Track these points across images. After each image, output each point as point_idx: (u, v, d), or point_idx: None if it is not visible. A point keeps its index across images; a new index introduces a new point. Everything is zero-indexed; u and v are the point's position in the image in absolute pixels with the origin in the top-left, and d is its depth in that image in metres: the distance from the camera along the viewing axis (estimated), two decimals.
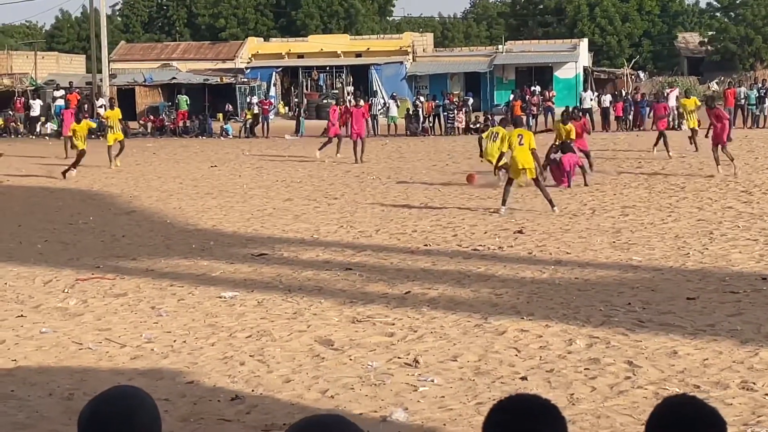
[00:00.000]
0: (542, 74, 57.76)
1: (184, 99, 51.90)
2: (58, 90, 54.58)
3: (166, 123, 50.19)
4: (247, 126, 47.08)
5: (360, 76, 59.47)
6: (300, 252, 14.98)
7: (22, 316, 11.02)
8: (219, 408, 7.66)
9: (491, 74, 58.43)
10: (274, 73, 60.32)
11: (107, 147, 29.61)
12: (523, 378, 8.14)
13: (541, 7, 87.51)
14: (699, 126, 28.77)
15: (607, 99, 45.80)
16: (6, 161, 31.99)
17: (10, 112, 52.81)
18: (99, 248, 15.85)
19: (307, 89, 60.26)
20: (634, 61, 68.77)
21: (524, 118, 37.24)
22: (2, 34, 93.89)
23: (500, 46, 63.14)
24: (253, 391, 8.06)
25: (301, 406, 7.61)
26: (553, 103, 46.46)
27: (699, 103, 30.30)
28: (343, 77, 60.12)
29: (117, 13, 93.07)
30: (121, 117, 31.45)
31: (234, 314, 10.90)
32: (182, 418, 7.32)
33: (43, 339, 9.96)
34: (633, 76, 62.48)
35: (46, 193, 24.28)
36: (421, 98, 48.84)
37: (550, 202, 18.07)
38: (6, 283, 12.87)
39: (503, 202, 18.20)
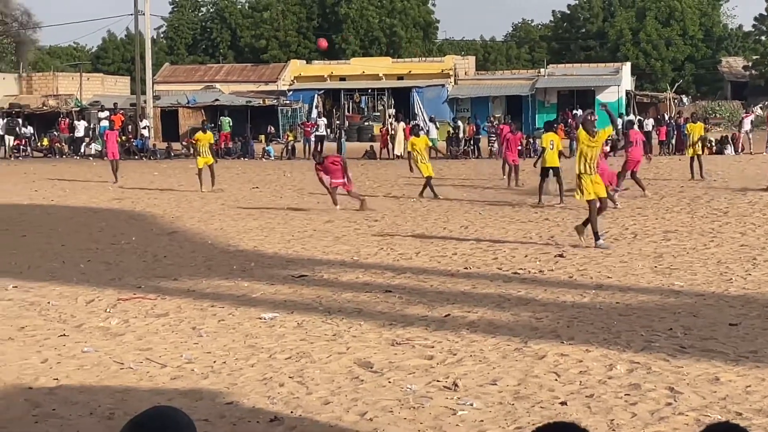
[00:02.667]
0: (584, 98, 57.66)
1: (226, 120, 52.30)
2: (102, 111, 55.21)
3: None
4: (289, 148, 47.31)
5: (401, 98, 59.67)
6: (340, 274, 15.00)
7: (64, 335, 11.11)
8: (258, 429, 7.67)
9: (533, 97, 58.43)
10: (316, 95, 60.64)
11: (198, 170, 29.62)
12: (563, 403, 8.09)
13: (584, 30, 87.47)
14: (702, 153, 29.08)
15: (649, 123, 45.63)
16: (50, 182, 32.39)
17: (55, 132, 53.44)
18: (141, 268, 15.96)
19: (348, 111, 60.51)
20: (677, 85, 68.49)
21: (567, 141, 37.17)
22: (49, 56, 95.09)
23: (542, 70, 63.14)
24: (292, 412, 8.07)
25: (339, 428, 7.61)
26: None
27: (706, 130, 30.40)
28: (385, 100, 60.33)
29: (162, 35, 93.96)
30: (212, 141, 31.54)
31: (274, 335, 10.92)
32: None
33: (84, 358, 10.03)
34: (676, 100, 62.21)
35: (89, 213, 24.50)
36: (459, 122, 48.84)
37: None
38: (49, 302, 12.98)
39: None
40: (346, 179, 23.93)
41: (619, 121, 28.39)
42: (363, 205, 23.54)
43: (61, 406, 8.38)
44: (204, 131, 30.78)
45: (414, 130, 29.51)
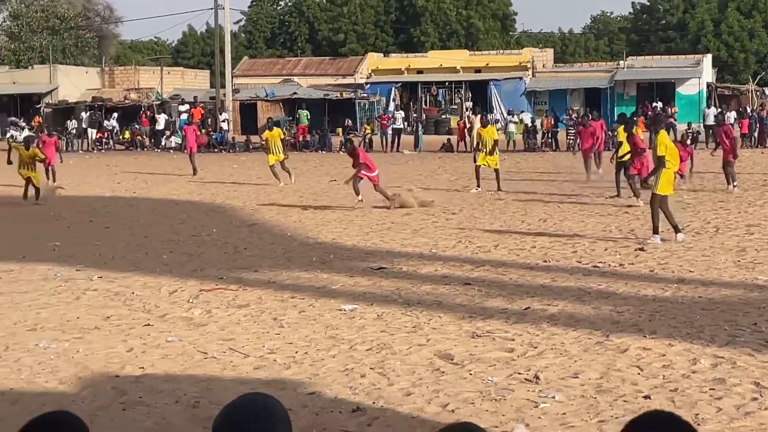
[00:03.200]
0: (664, 90, 56.99)
1: (304, 114, 52.58)
2: (182, 104, 55.83)
3: (287, 137, 50.80)
4: (366, 140, 47.44)
5: (479, 91, 59.47)
6: (419, 266, 15.03)
7: (149, 324, 11.29)
8: (340, 419, 7.74)
9: (612, 90, 57.88)
10: (393, 88, 60.68)
11: (270, 166, 29.78)
12: (647, 397, 8.04)
13: (664, 22, 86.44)
14: None
15: (731, 116, 44.94)
16: (132, 175, 32.86)
17: (137, 125, 54.18)
18: (222, 260, 16.14)
19: (426, 104, 60.47)
20: (759, 77, 67.37)
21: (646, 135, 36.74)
22: (130, 50, 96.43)
23: (621, 62, 62.51)
24: (374, 403, 8.12)
25: (421, 419, 7.65)
26: (675, 120, 45.75)
27: None
28: (462, 92, 60.21)
29: (241, 29, 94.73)
30: (282, 137, 31.74)
31: (354, 327, 10.99)
32: (304, 429, 7.40)
33: (169, 347, 10.19)
34: (758, 93, 61.21)
35: (171, 205, 24.82)
36: (528, 115, 48.52)
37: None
38: (133, 293, 13.19)
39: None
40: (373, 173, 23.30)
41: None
42: (392, 203, 22.89)
43: (147, 394, 8.52)
44: (270, 128, 31.02)
45: (482, 121, 29.36)
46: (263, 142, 33.33)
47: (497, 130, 46.58)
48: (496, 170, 26.29)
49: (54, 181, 29.12)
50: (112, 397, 8.47)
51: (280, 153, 29.70)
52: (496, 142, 27.15)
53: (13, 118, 57.97)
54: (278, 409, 2.56)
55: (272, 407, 2.55)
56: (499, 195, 25.18)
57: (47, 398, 8.38)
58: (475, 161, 27.06)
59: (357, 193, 22.87)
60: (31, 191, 25.63)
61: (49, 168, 29.40)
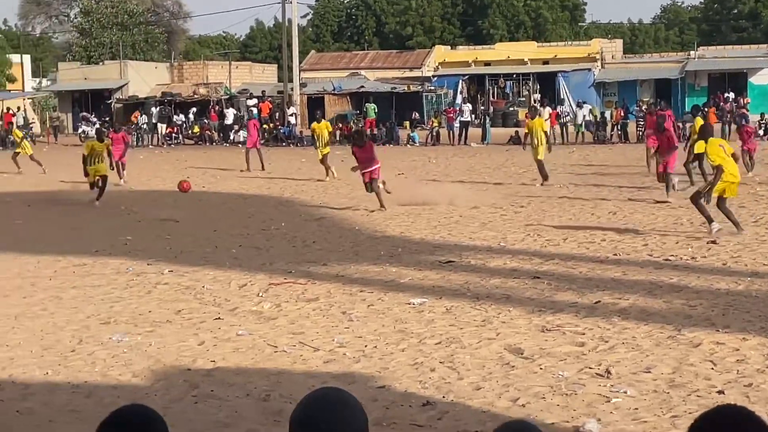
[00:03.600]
0: (736, 81, 56.11)
1: (372, 107, 52.61)
2: (251, 99, 56.16)
3: (353, 130, 50.85)
4: (434, 134, 47.38)
5: (547, 83, 59.08)
6: (487, 260, 14.98)
7: (219, 318, 11.39)
8: (411, 413, 7.74)
9: (683, 81, 57.13)
10: (460, 81, 60.50)
11: (319, 160, 29.86)
12: (720, 392, 7.93)
13: (735, 11, 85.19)
14: None
15: None
16: (201, 169, 33.08)
17: (206, 120, 54.61)
18: (291, 253, 16.22)
19: (493, 97, 60.22)
20: None
21: (717, 125, 36.28)
22: (199, 45, 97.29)
23: (692, 52, 61.71)
24: (444, 397, 8.11)
25: (492, 413, 7.62)
26: (747, 111, 45.06)
27: None
28: (530, 85, 59.86)
29: (308, 23, 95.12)
30: (330, 129, 31.78)
31: (423, 321, 10.98)
32: (375, 422, 7.41)
33: (239, 341, 10.26)
34: None
35: (239, 199, 24.99)
36: (587, 107, 47.99)
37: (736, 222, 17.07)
38: (203, 287, 13.31)
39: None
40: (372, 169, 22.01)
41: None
42: (382, 205, 21.58)
43: (218, 387, 8.59)
44: (318, 120, 31.07)
45: (531, 112, 29.06)
46: (311, 133, 33.40)
47: (565, 122, 46.41)
48: (539, 161, 25.99)
49: (121, 177, 29.21)
50: (185, 390, 8.55)
51: (324, 146, 29.70)
52: (545, 133, 26.92)
53: (85, 114, 58.77)
54: (354, 402, 2.56)
55: (348, 400, 2.55)
56: (547, 186, 25.02)
57: (121, 391, 8.49)
58: (524, 148, 27.11)
59: (380, 202, 21.77)
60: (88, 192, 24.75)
61: (117, 164, 29.00)
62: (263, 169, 33.01)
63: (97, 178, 24.02)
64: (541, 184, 25.70)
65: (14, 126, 47.95)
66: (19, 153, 35.39)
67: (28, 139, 38.20)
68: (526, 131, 27.33)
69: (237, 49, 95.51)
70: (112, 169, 26.57)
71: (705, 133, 17.60)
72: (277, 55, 75.13)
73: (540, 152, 25.99)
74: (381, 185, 22.02)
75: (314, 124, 31.25)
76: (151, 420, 2.66)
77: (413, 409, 7.84)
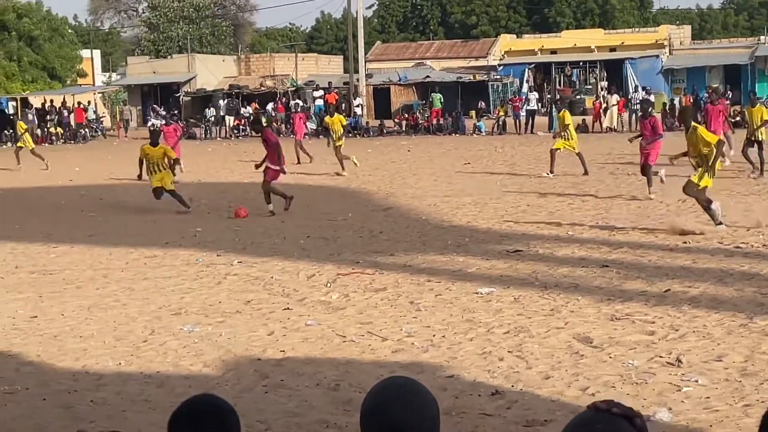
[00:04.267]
0: None
1: (437, 97, 52.53)
2: (317, 90, 56.37)
3: (420, 121, 50.89)
4: (500, 123, 47.20)
5: (614, 70, 58.53)
6: (555, 249, 14.90)
7: (288, 308, 11.47)
8: (480, 402, 7.75)
9: (752, 66, 56.26)
10: (526, 69, 60.16)
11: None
12: None
13: None
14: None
15: None
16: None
17: (273, 112, 54.89)
18: (358, 244, 16.28)
19: (560, 85, 59.83)
20: None
21: None
22: (265, 37, 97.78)
23: (762, 37, 60.73)
24: (513, 386, 8.10)
25: (561, 402, 7.60)
26: None
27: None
28: (597, 72, 59.36)
29: (374, 14, 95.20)
30: (344, 123, 31.40)
31: (491, 310, 10.97)
32: (444, 412, 7.39)
33: (308, 331, 10.33)
34: None
35: (307, 190, 25.07)
36: (646, 92, 47.34)
37: None
38: (272, 277, 13.41)
39: None
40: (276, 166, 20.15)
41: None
42: (288, 203, 20.34)
43: (288, 377, 8.66)
44: (331, 114, 30.98)
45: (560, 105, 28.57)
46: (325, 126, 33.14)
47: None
48: (578, 154, 25.62)
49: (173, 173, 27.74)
50: (255, 379, 8.64)
51: (338, 140, 29.29)
52: (576, 126, 26.50)
53: (154, 106, 59.39)
54: (424, 391, 2.56)
55: (419, 389, 2.55)
56: (629, 175, 24.76)
57: (192, 381, 8.60)
58: (554, 137, 26.84)
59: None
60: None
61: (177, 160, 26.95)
62: (310, 161, 32.75)
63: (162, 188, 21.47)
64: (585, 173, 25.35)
65: (19, 119, 45.57)
66: (21, 147, 34.81)
67: (27, 133, 36.60)
68: (561, 123, 26.62)
69: (303, 41, 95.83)
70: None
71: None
72: (343, 47, 75.21)
73: (561, 143, 25.60)
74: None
75: (327, 118, 31.14)
76: (222, 410, 2.70)
77: (482, 398, 7.84)
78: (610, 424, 2.31)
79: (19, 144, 36.11)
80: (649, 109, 21.90)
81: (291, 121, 42.10)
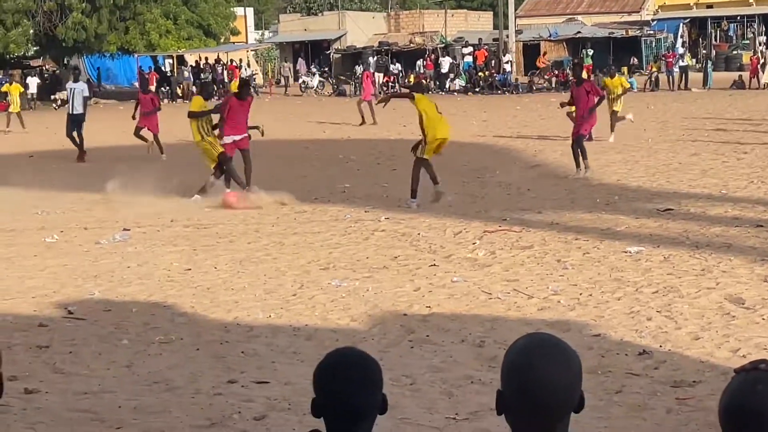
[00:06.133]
0: None
1: (588, 53, 51.75)
2: (466, 47, 56.10)
3: (570, 78, 50.15)
4: (652, 79, 46.22)
5: None
6: (707, 208, 14.59)
7: (434, 265, 11.53)
8: (626, 362, 7.68)
9: None
10: (681, 24, 58.70)
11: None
12: None
13: None
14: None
15: None
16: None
17: (422, 69, 54.91)
18: (505, 201, 16.22)
19: (715, 40, 58.22)
20: None
21: None
22: None
23: None
24: (660, 346, 8.00)
25: (711, 364, 7.48)
26: None
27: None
28: (755, 27, 57.52)
29: None
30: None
31: (640, 269, 10.82)
32: (590, 370, 7.37)
33: (454, 288, 10.37)
34: None
35: (455, 147, 24.95)
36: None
37: None
38: (419, 234, 13.48)
39: None
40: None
41: None
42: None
43: (433, 332, 8.73)
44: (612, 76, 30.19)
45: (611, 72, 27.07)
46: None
47: None
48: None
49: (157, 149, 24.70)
50: (401, 334, 8.73)
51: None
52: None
53: (302, 62, 59.95)
54: (567, 346, 2.54)
55: (562, 345, 2.54)
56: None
57: (340, 335, 8.74)
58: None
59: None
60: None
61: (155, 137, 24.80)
62: (375, 122, 32.34)
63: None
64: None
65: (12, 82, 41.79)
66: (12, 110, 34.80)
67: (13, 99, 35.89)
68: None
69: None
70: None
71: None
72: (493, 2, 74.56)
73: (618, 105, 24.75)
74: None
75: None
76: (366, 360, 2.75)
77: (629, 357, 7.77)
78: None
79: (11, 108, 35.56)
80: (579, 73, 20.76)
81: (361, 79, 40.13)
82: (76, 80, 25.43)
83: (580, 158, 18.60)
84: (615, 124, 24.64)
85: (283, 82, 59.61)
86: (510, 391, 2.47)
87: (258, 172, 17.64)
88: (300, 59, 63.00)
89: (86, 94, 25.38)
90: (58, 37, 52.25)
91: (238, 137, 17.00)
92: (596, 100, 19.02)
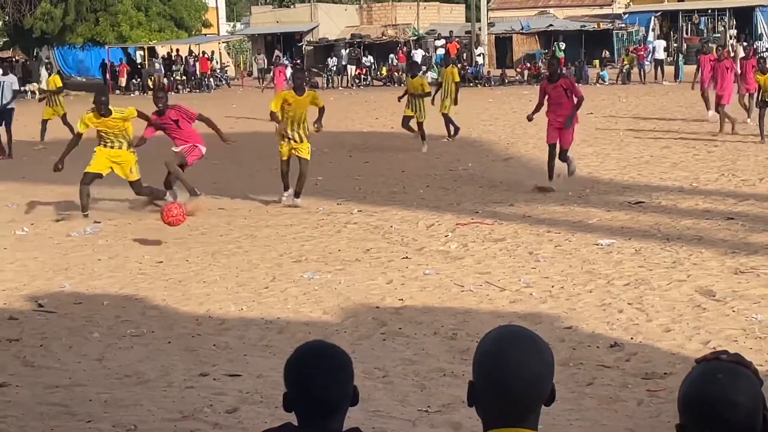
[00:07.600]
0: None
1: (560, 46, 51.87)
2: (438, 39, 56.11)
3: (543, 70, 50.28)
4: (624, 72, 46.39)
5: (744, 18, 56.92)
6: (678, 200, 14.66)
7: (407, 257, 11.53)
8: (598, 354, 7.70)
9: None
10: (652, 17, 58.92)
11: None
12: None
13: None
14: None
15: None
16: (388, 110, 33.31)
17: (394, 61, 54.90)
18: (477, 194, 16.24)
19: (686, 33, 58.46)
20: None
21: None
22: None
23: None
24: (632, 339, 8.04)
25: (681, 356, 7.51)
26: None
27: None
28: (726, 20, 57.80)
29: None
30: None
31: (611, 262, 10.87)
32: (562, 363, 7.40)
33: (426, 280, 10.38)
34: None
35: (427, 139, 25.03)
36: None
37: None
38: (392, 226, 13.48)
39: None
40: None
41: None
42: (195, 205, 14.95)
43: (406, 325, 8.73)
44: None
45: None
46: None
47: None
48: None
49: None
50: (373, 327, 8.73)
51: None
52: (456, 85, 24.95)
53: (278, 54, 59.78)
54: (538, 338, 2.56)
55: (534, 337, 2.55)
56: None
57: (312, 328, 8.73)
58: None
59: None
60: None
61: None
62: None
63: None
64: (450, 138, 24.44)
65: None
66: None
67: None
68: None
69: None
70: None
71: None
72: None
73: (446, 106, 24.56)
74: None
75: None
76: (335, 352, 2.75)
77: (600, 350, 7.80)
78: (732, 372, 2.30)
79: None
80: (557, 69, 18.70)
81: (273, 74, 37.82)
82: (5, 73, 25.18)
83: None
84: None
85: (256, 74, 59.33)
86: (482, 381, 2.48)
87: (229, 167, 17.58)
88: (276, 51, 62.81)
89: (16, 87, 25.15)
90: (26, 28, 51.88)
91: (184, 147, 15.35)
92: (576, 101, 16.79)
